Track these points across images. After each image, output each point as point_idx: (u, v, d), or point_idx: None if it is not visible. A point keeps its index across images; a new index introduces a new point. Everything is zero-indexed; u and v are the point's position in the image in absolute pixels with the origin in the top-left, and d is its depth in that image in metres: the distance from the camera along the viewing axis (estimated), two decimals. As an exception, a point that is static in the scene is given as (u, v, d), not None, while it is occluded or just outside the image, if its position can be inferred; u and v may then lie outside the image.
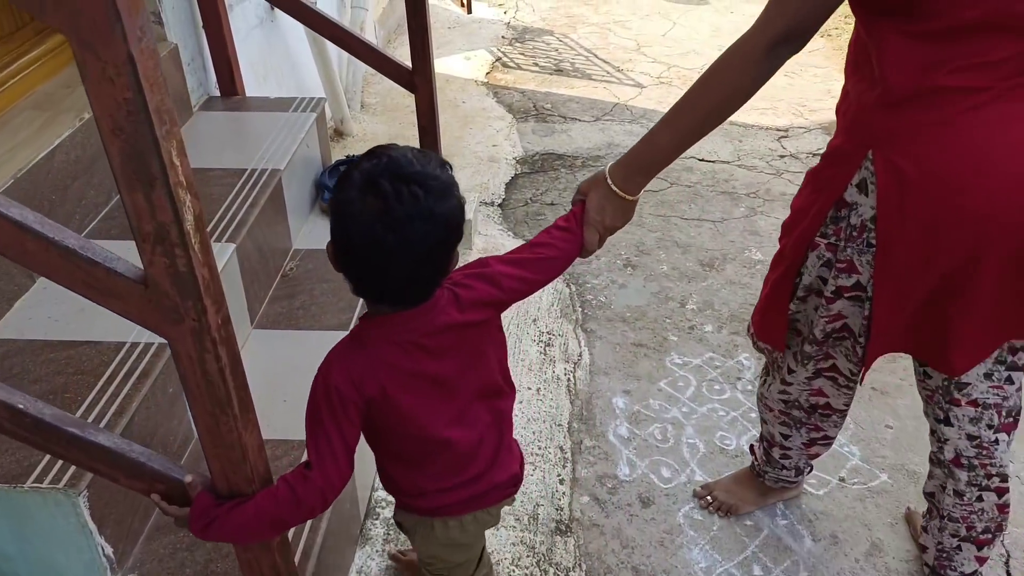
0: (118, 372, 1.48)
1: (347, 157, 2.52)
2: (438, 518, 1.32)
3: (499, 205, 3.25)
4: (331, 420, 1.12)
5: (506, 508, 1.56)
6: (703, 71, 1.27)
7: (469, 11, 4.63)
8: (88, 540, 1.32)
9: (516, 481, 1.36)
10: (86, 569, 1.35)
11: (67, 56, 2.09)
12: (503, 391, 1.31)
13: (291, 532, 1.46)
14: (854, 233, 1.37)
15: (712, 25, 5.25)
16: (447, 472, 1.27)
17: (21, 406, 1.07)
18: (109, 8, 0.76)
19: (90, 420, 1.38)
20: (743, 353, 2.47)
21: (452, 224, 1.12)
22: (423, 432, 1.21)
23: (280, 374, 1.80)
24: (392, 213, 1.05)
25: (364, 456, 1.80)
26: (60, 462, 1.30)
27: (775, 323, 1.59)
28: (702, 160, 3.57)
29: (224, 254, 1.79)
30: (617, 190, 1.29)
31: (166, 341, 1.00)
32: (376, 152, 1.12)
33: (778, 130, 3.85)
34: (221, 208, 1.93)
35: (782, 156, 3.62)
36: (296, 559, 1.43)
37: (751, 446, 1.98)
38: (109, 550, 1.36)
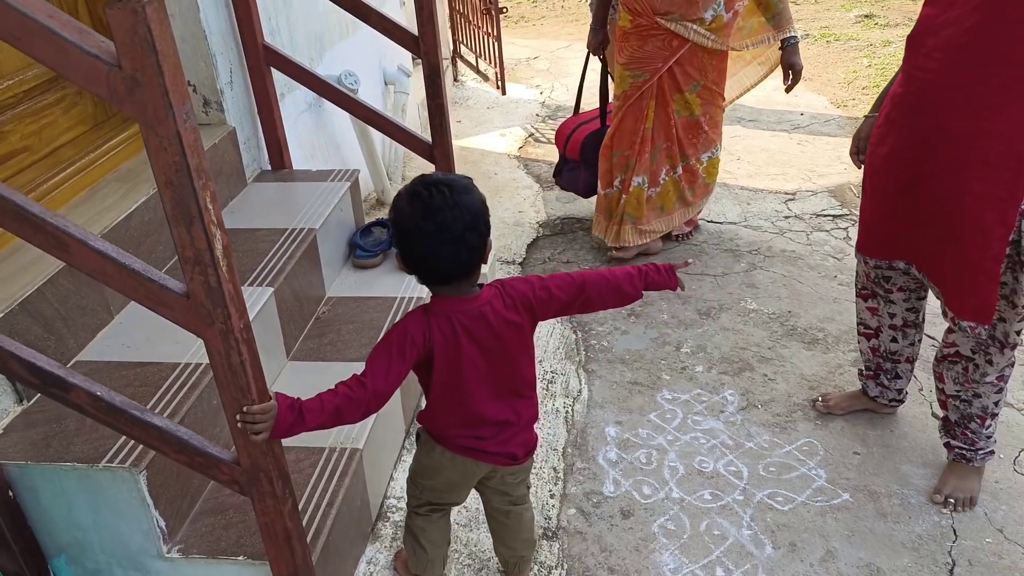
0: (173, 385, 1.85)
1: (377, 220, 2.91)
2: (439, 446, 1.69)
3: (520, 264, 3.59)
4: (397, 353, 1.50)
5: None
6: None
7: (503, 92, 5.08)
8: (146, 512, 1.66)
9: (512, 459, 1.73)
10: (144, 537, 1.70)
11: (145, 139, 2.55)
12: (523, 395, 1.68)
13: (304, 514, 1.78)
14: None
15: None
16: (465, 426, 1.65)
17: (99, 393, 1.44)
18: (164, 101, 1.14)
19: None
20: (728, 390, 2.72)
21: (475, 211, 1.49)
22: (460, 396, 1.61)
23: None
24: (428, 206, 1.45)
25: (378, 465, 2.12)
26: (126, 448, 1.65)
27: None
28: (711, 222, 3.87)
29: (263, 296, 2.16)
30: None
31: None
32: (416, 178, 1.53)
33: (786, 193, 4.13)
34: (264, 259, 2.32)
35: (787, 217, 3.89)
36: (309, 537, 1.75)
37: None
38: (162, 523, 1.70)
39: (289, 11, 3.11)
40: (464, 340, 1.55)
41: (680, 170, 3.42)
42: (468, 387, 1.59)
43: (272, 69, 2.80)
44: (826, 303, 3.18)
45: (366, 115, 2.86)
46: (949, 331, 2.17)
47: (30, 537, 1.71)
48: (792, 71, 3.28)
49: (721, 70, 3.26)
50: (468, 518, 2.19)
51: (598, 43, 3.50)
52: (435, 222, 1.45)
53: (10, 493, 1.65)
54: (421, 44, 2.64)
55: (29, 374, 1.44)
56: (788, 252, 3.57)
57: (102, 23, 2.41)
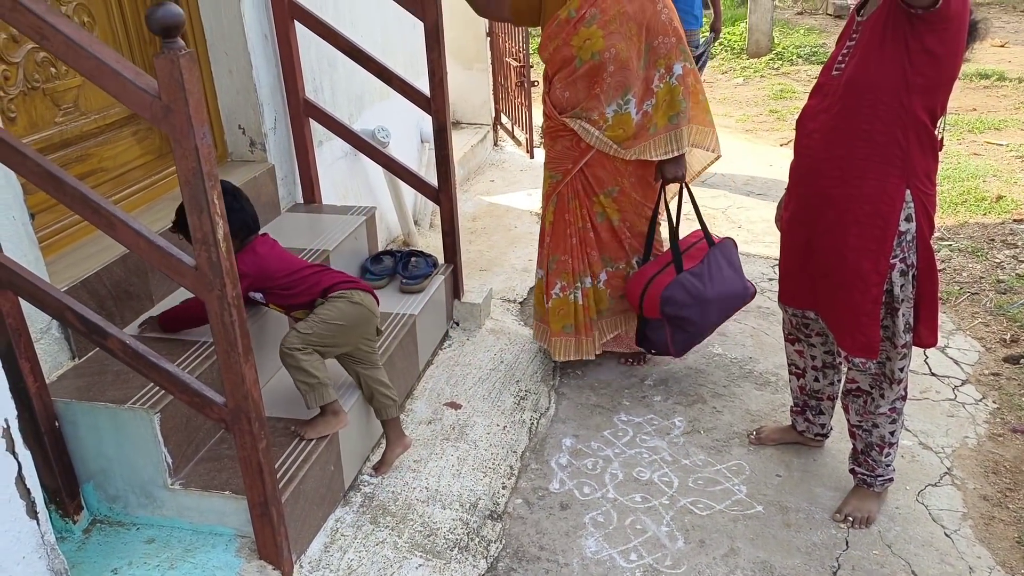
0: (191, 356, 2.32)
1: (385, 250, 3.38)
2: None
3: (519, 303, 4.02)
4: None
5: (455, 496, 2.28)
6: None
7: (532, 156, 5.60)
8: (157, 448, 2.11)
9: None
10: (154, 470, 2.15)
11: (199, 169, 3.09)
12: None
13: (283, 464, 2.21)
14: None
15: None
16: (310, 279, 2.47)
17: (127, 341, 1.92)
18: (188, 123, 1.62)
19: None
20: (678, 417, 3.07)
21: None
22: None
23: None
24: (241, 198, 2.36)
25: (353, 443, 2.54)
26: (146, 396, 2.12)
27: None
28: (700, 279, 4.24)
29: (276, 297, 2.63)
30: None
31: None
32: (225, 185, 2.26)
33: (775, 259, 4.46)
34: (281, 271, 2.80)
35: (770, 279, 4.24)
36: (283, 481, 2.17)
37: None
38: (170, 459, 2.15)
39: (333, 73, 3.67)
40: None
41: (604, 276, 3.22)
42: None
43: (311, 120, 3.34)
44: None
45: (385, 162, 3.37)
46: (850, 369, 2.51)
47: (68, 462, 2.17)
48: (663, 177, 3.07)
49: (641, 176, 3.08)
50: (427, 496, 2.58)
51: None
52: (248, 204, 2.42)
53: (56, 423, 2.12)
54: (432, 104, 3.15)
55: (79, 323, 1.93)
56: (763, 308, 3.92)
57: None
